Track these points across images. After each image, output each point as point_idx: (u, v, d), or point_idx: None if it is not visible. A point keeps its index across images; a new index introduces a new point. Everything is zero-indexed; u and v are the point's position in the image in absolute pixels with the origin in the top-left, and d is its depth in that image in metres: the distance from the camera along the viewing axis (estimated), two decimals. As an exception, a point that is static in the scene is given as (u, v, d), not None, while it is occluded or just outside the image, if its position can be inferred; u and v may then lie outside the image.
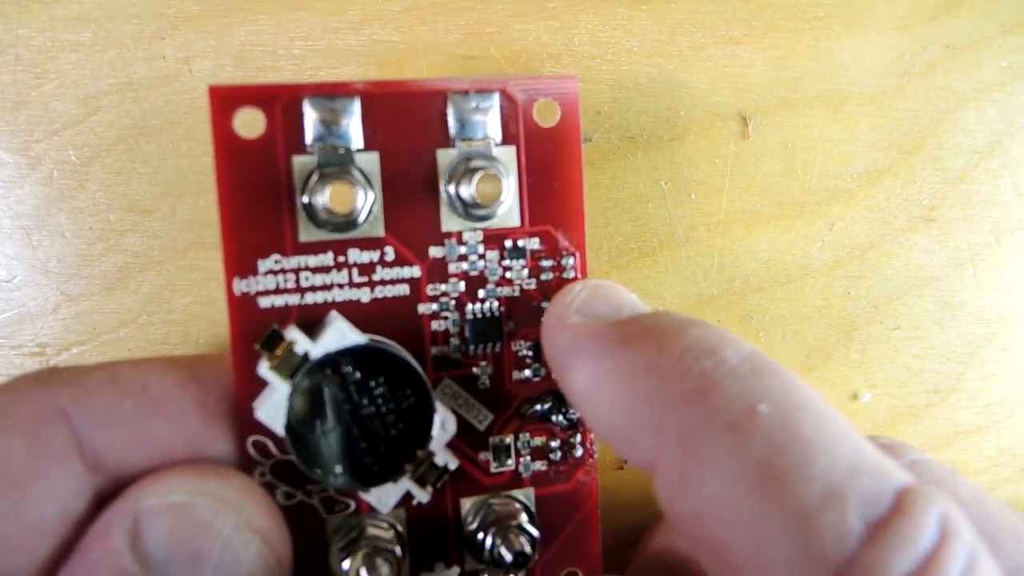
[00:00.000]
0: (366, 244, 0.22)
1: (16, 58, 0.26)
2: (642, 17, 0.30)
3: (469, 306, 0.23)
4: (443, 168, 0.23)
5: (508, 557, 0.23)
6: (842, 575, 0.15)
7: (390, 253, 0.22)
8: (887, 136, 0.33)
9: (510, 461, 0.24)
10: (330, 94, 0.21)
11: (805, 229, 0.33)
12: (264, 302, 0.21)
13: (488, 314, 0.23)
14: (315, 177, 0.21)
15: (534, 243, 0.23)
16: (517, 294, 0.24)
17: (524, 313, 0.24)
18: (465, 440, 0.23)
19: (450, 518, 0.24)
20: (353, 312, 0.22)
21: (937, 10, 0.33)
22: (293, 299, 0.22)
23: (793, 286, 0.33)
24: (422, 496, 0.22)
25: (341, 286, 0.22)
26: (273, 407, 0.21)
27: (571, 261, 0.24)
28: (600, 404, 0.20)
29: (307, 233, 0.22)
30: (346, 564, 0.21)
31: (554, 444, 0.24)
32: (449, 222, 0.23)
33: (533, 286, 0.24)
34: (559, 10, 0.30)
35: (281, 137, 0.21)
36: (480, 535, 0.23)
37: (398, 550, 0.22)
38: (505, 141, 0.23)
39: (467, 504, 0.24)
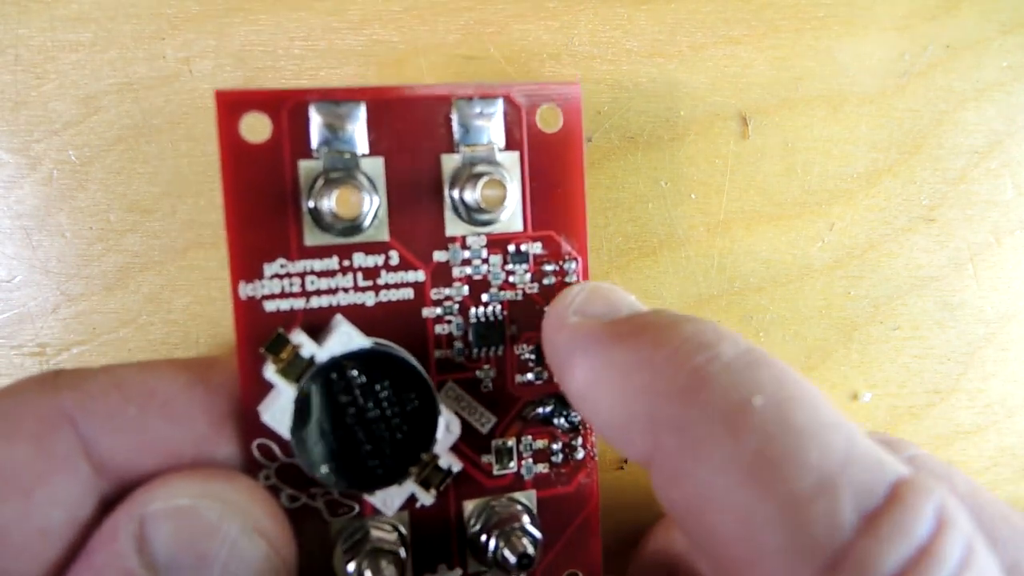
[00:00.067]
0: (371, 248, 0.23)
1: (16, 58, 0.27)
2: (642, 17, 0.31)
3: (472, 310, 0.24)
4: (447, 173, 0.23)
5: (512, 559, 0.23)
6: (835, 564, 0.16)
7: (394, 257, 0.23)
8: (887, 136, 0.34)
9: (512, 464, 0.25)
10: (336, 99, 0.22)
11: (805, 229, 0.33)
12: (269, 306, 0.22)
13: (491, 318, 0.24)
14: (321, 182, 0.22)
15: (537, 248, 0.24)
16: (520, 298, 0.24)
17: (527, 317, 0.24)
18: (468, 443, 0.24)
19: (453, 520, 0.24)
20: (358, 316, 0.23)
21: (937, 10, 0.34)
22: (298, 303, 0.22)
23: (793, 286, 0.33)
24: (426, 499, 0.23)
25: (346, 290, 0.23)
26: (279, 410, 0.21)
27: (573, 266, 0.25)
28: (598, 401, 0.20)
29: (312, 237, 0.22)
30: (351, 567, 0.22)
31: (556, 447, 0.25)
32: (453, 227, 0.24)
33: (536, 290, 0.24)
34: (559, 10, 0.30)
35: (287, 142, 0.22)
36: (483, 537, 0.24)
37: (402, 552, 0.23)
38: (509, 147, 0.24)
39: (470, 506, 0.24)
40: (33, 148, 0.27)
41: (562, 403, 0.25)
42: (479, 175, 0.23)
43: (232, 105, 0.22)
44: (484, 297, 0.24)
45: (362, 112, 0.22)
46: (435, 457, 0.23)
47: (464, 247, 0.24)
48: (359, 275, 0.23)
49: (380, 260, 0.23)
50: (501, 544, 0.24)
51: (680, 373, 0.19)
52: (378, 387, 0.22)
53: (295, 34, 0.28)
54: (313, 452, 0.22)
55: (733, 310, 0.33)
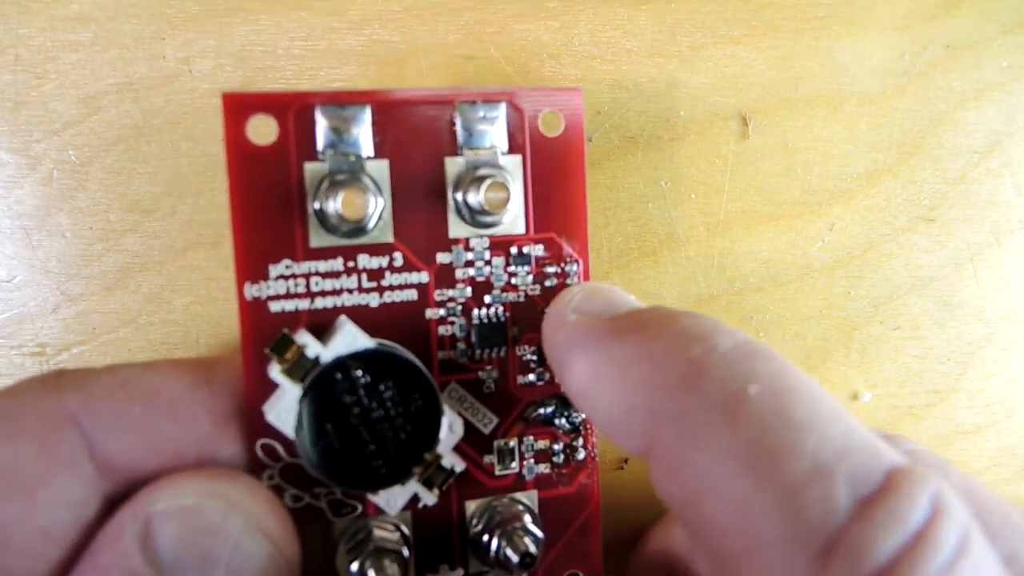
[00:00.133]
0: (375, 250, 0.24)
1: (16, 58, 0.27)
2: (642, 17, 0.32)
3: (475, 311, 0.25)
4: (451, 176, 0.24)
5: (514, 558, 0.24)
6: (829, 549, 0.16)
7: (399, 259, 0.24)
8: (887, 136, 0.34)
9: (514, 464, 0.25)
10: (341, 102, 0.23)
11: (805, 229, 0.34)
12: (275, 306, 0.23)
13: (494, 319, 0.25)
14: (326, 184, 0.23)
15: (539, 250, 0.25)
16: (522, 299, 0.25)
17: (529, 318, 0.25)
18: (470, 443, 0.25)
19: (455, 520, 0.25)
20: (362, 317, 0.23)
21: (937, 10, 0.35)
22: (303, 304, 0.23)
23: (793, 286, 0.34)
24: (429, 498, 0.24)
25: (351, 291, 0.23)
26: (283, 410, 0.22)
27: (574, 268, 0.25)
28: (598, 396, 0.21)
29: (317, 239, 0.23)
30: (354, 566, 0.23)
31: (557, 447, 0.26)
32: (456, 229, 0.24)
33: (537, 292, 0.25)
34: (559, 10, 0.31)
35: (293, 144, 0.23)
36: (485, 537, 0.24)
37: (405, 552, 0.23)
38: (511, 150, 0.25)
39: (472, 506, 0.25)
40: (33, 148, 0.27)
41: (563, 404, 0.26)
42: (482, 178, 0.23)
43: (239, 107, 0.22)
44: (487, 299, 0.25)
45: (367, 115, 0.23)
46: (438, 457, 0.23)
47: (467, 249, 0.24)
48: (363, 276, 0.24)
49: (384, 261, 0.24)
50: (503, 544, 0.24)
51: (678, 365, 0.19)
52: (382, 387, 0.22)
53: (295, 34, 0.29)
54: (317, 452, 0.22)
55: (733, 310, 0.33)
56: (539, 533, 0.25)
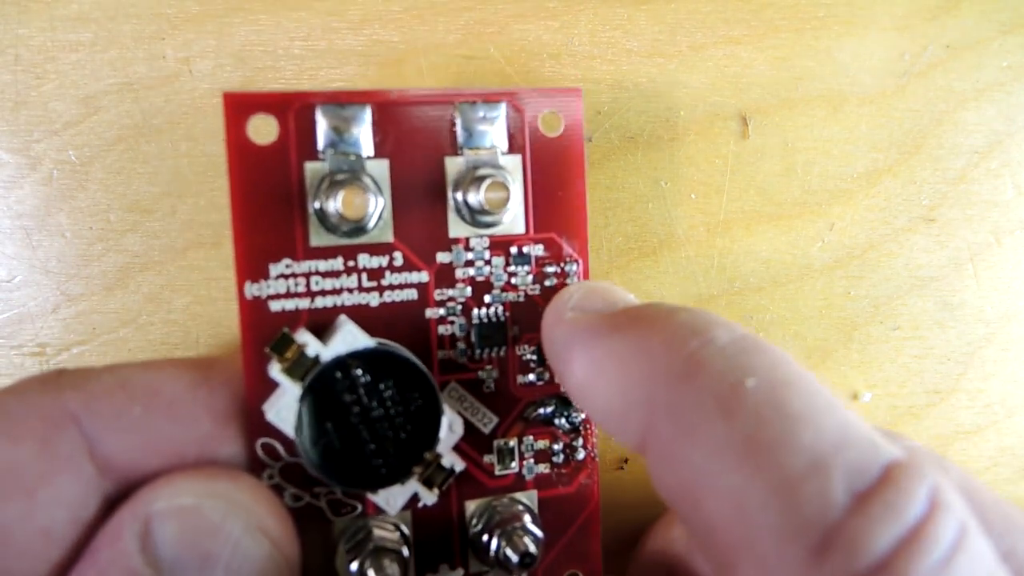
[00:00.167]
0: (375, 249, 0.24)
1: (16, 58, 0.27)
2: (642, 17, 0.32)
3: (475, 311, 0.25)
4: (451, 176, 0.24)
5: (514, 558, 0.24)
6: (825, 544, 0.16)
7: (399, 258, 0.24)
8: (887, 136, 0.35)
9: (514, 464, 0.26)
10: (341, 102, 0.23)
11: (805, 229, 0.34)
12: (275, 306, 0.23)
13: (494, 319, 0.25)
14: (326, 183, 0.23)
15: (538, 250, 0.25)
16: (522, 299, 0.25)
17: (528, 318, 0.25)
18: (470, 443, 0.25)
19: (455, 520, 0.25)
20: (362, 316, 0.23)
21: (937, 10, 0.35)
22: (303, 303, 0.23)
23: (793, 286, 0.34)
24: (429, 498, 0.24)
25: (351, 290, 0.24)
26: (283, 409, 0.22)
27: (574, 268, 0.26)
28: (596, 391, 0.21)
29: (318, 238, 0.23)
30: (353, 566, 0.23)
31: (557, 447, 0.26)
32: (456, 228, 0.24)
33: (537, 292, 0.25)
34: (559, 10, 0.31)
35: (293, 143, 0.23)
36: (485, 537, 0.25)
37: (404, 551, 0.23)
38: (511, 150, 0.25)
39: (472, 506, 0.25)
40: (33, 148, 0.28)
41: (563, 404, 0.26)
42: (482, 178, 0.23)
43: (239, 107, 0.22)
44: (487, 298, 0.25)
45: (367, 115, 0.23)
46: (438, 456, 0.23)
47: (467, 249, 0.25)
48: (364, 276, 0.24)
49: (384, 261, 0.24)
50: (503, 543, 0.24)
51: (675, 358, 0.19)
52: (382, 386, 0.23)
53: (295, 34, 0.29)
54: (317, 451, 0.22)
55: (733, 310, 0.34)
56: (539, 533, 0.25)
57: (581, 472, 0.26)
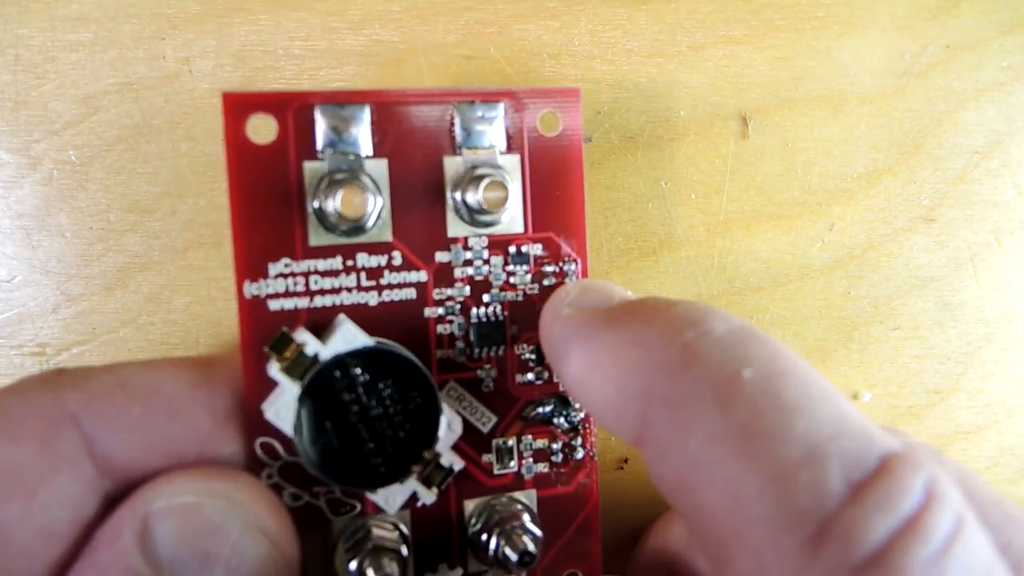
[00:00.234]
0: (374, 249, 0.24)
1: (16, 58, 0.27)
2: (642, 17, 0.32)
3: (474, 310, 0.25)
4: (449, 175, 0.24)
5: (513, 557, 0.24)
6: (821, 534, 0.16)
7: (397, 258, 0.24)
8: (887, 136, 0.35)
9: (513, 463, 0.26)
10: (340, 102, 0.23)
11: (805, 229, 0.34)
12: (274, 305, 0.23)
13: (492, 318, 0.25)
14: (325, 183, 0.23)
15: (537, 249, 0.25)
16: (520, 299, 0.25)
17: (527, 317, 0.25)
18: (469, 442, 0.25)
19: (454, 519, 0.25)
20: (361, 315, 0.23)
21: (937, 10, 0.35)
22: (302, 302, 0.23)
23: (793, 286, 0.34)
24: (428, 497, 0.24)
25: (349, 290, 0.24)
26: (282, 408, 0.22)
27: (573, 267, 0.26)
28: (593, 384, 0.21)
29: (317, 237, 0.23)
30: (352, 565, 0.23)
31: (556, 446, 0.26)
32: (455, 228, 0.24)
33: (536, 291, 0.25)
34: (559, 10, 0.31)
35: (292, 143, 0.23)
36: (484, 536, 0.25)
37: (403, 550, 0.24)
38: (510, 150, 0.25)
39: (471, 506, 0.25)
40: (33, 148, 0.28)
41: (562, 403, 0.26)
42: (481, 177, 0.24)
43: (239, 106, 0.22)
44: (485, 297, 0.25)
45: (366, 115, 0.23)
46: (437, 455, 0.23)
47: (466, 248, 0.25)
48: (363, 275, 0.24)
49: (383, 260, 0.24)
50: (502, 543, 0.24)
51: (671, 349, 0.19)
52: (381, 385, 0.23)
53: (295, 34, 0.29)
54: (316, 450, 0.22)
55: (733, 310, 0.33)
56: (538, 532, 0.25)
57: (580, 471, 0.26)
